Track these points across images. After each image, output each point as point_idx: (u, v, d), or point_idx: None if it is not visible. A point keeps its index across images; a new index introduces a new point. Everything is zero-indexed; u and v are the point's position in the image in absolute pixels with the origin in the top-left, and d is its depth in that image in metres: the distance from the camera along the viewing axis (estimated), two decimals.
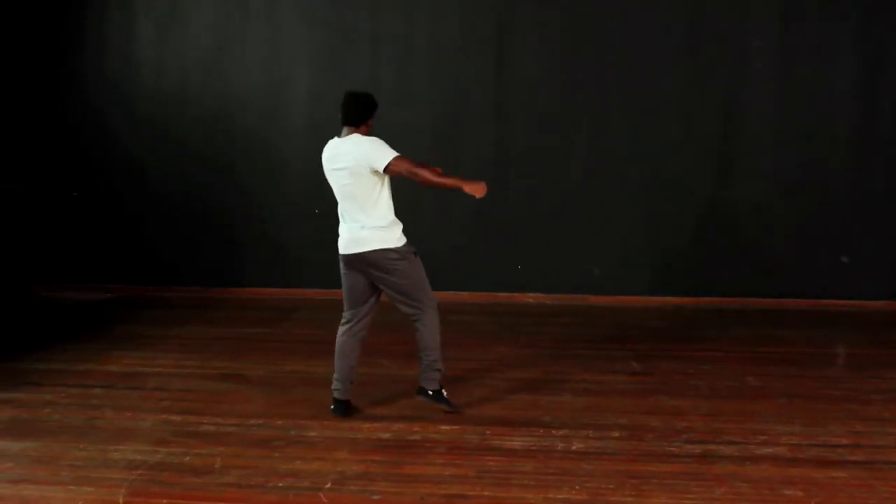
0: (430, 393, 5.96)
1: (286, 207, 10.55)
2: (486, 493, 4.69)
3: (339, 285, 10.30)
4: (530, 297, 10.10)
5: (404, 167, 5.60)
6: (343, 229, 5.85)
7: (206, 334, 8.61)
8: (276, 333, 8.72)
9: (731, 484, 4.79)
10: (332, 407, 5.97)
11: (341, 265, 5.89)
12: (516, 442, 5.47)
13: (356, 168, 5.63)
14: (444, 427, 5.73)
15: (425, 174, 5.67)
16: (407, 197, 10.20)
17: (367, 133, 5.80)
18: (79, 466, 5.08)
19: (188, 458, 5.21)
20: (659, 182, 10.02)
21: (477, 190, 5.68)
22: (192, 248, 10.73)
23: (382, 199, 5.79)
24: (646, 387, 6.71)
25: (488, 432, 5.64)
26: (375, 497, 4.64)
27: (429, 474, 4.97)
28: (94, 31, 10.68)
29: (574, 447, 5.38)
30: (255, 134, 10.52)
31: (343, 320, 6.04)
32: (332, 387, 5.98)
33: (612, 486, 4.75)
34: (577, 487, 4.74)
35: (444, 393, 5.99)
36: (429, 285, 5.98)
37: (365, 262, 5.75)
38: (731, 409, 6.16)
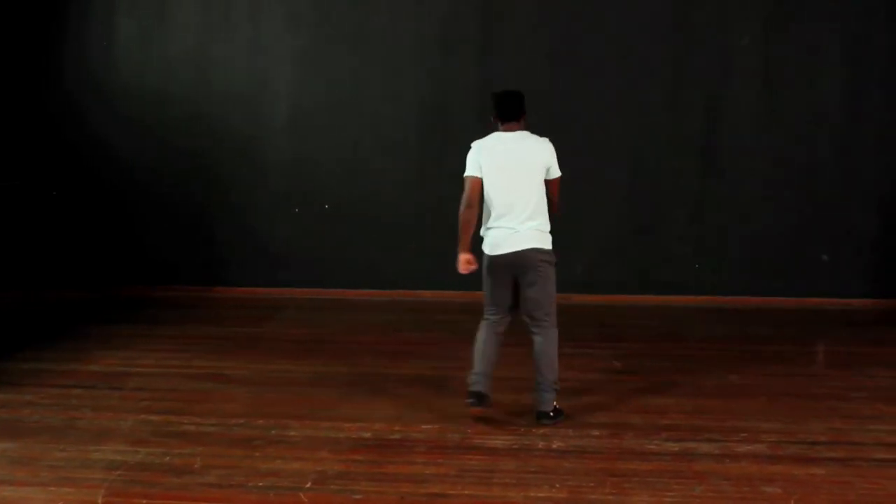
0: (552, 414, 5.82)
1: (270, 206, 10.52)
2: (466, 492, 4.68)
3: (322, 285, 10.40)
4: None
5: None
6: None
7: (188, 333, 8.58)
8: (260, 333, 8.70)
9: (712, 481, 4.80)
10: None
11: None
12: (497, 441, 5.47)
13: (540, 166, 5.73)
14: (425, 426, 5.73)
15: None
16: (388, 196, 10.31)
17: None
18: (59, 467, 5.05)
19: (168, 458, 5.19)
20: (643, 180, 10.05)
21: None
22: (175, 247, 10.69)
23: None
24: (627, 385, 6.73)
25: (469, 431, 5.64)
26: (356, 496, 4.63)
27: (410, 473, 4.96)
28: (76, 30, 10.62)
29: (555, 445, 5.38)
30: (239, 132, 10.49)
31: (485, 316, 5.97)
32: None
33: (592, 484, 4.76)
34: (558, 486, 4.75)
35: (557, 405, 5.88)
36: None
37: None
38: (712, 406, 6.18)
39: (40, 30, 10.60)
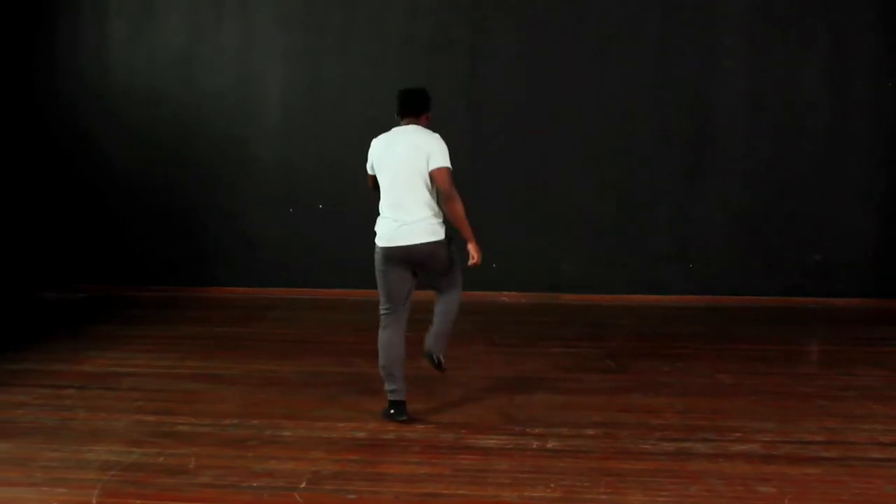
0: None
1: (260, 206, 10.52)
2: (461, 492, 4.68)
3: (312, 285, 10.38)
4: (504, 296, 10.11)
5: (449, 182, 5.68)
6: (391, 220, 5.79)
7: (180, 334, 8.56)
8: (251, 332, 8.69)
9: (706, 481, 4.81)
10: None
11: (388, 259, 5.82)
12: (491, 440, 5.47)
13: (417, 159, 5.68)
14: (419, 426, 5.73)
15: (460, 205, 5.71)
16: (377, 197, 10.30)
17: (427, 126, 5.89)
18: (52, 467, 5.02)
19: (162, 458, 5.17)
20: (631, 180, 10.08)
21: (475, 257, 5.79)
22: (165, 247, 10.67)
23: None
24: (620, 385, 6.74)
25: (463, 431, 5.63)
26: (351, 496, 4.62)
27: (404, 473, 4.96)
28: (66, 30, 10.60)
29: (549, 445, 5.38)
30: (228, 132, 10.48)
31: (383, 313, 5.97)
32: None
33: (587, 484, 4.76)
34: (553, 485, 4.75)
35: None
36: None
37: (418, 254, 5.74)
38: (704, 406, 6.19)
39: (30, 30, 10.57)
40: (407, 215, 5.68)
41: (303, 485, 4.76)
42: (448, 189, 5.63)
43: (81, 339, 8.25)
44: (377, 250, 5.81)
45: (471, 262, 5.78)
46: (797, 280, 10.05)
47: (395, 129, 5.86)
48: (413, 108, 5.86)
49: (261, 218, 10.54)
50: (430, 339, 5.93)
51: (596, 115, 10.03)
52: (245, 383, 6.80)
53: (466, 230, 5.73)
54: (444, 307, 5.95)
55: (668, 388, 6.65)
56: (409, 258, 5.74)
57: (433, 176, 5.64)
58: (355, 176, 10.24)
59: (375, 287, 10.23)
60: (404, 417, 5.78)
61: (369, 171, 5.97)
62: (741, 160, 10.04)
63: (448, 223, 5.77)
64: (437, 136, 5.76)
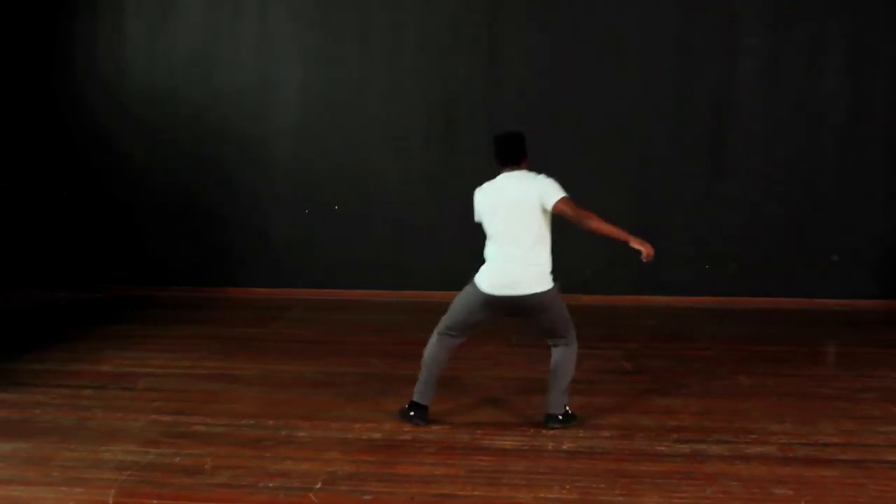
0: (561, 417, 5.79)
1: (277, 206, 10.56)
2: (476, 493, 4.68)
3: (330, 285, 10.40)
4: None
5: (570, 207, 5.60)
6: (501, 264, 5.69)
7: (197, 334, 8.59)
8: (268, 333, 8.71)
9: (722, 483, 4.79)
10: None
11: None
12: (507, 441, 5.47)
13: (531, 202, 5.59)
14: (434, 427, 5.72)
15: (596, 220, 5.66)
16: (395, 197, 10.31)
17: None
18: (69, 467, 5.05)
19: (179, 458, 5.19)
20: (649, 181, 10.05)
21: (645, 248, 5.55)
22: (183, 247, 10.72)
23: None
24: (637, 386, 6.73)
25: (479, 432, 5.63)
26: (366, 497, 4.63)
27: (419, 474, 4.96)
28: (84, 30, 10.66)
29: (565, 446, 5.38)
30: (246, 132, 10.52)
31: (446, 332, 5.88)
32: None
33: (603, 486, 4.75)
34: (568, 487, 4.74)
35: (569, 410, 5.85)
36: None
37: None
38: (721, 407, 6.17)
39: (48, 30, 10.63)
40: (518, 264, 5.58)
41: (318, 485, 4.76)
42: (577, 213, 5.56)
43: (101, 339, 8.29)
44: (477, 291, 5.66)
45: (644, 258, 5.55)
46: (816, 281, 10.00)
47: (501, 177, 5.76)
48: (514, 157, 5.80)
49: (280, 218, 10.57)
50: (547, 401, 5.81)
51: (614, 114, 10.00)
52: (262, 384, 6.82)
53: (620, 235, 5.56)
54: (555, 364, 5.80)
55: (686, 389, 6.63)
56: (515, 308, 5.68)
57: (558, 211, 5.57)
58: (372, 176, 10.38)
59: (394, 289, 10.35)
60: (421, 422, 5.78)
61: (476, 220, 5.84)
62: (759, 161, 9.99)
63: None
64: (541, 175, 5.70)
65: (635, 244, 5.53)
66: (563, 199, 5.56)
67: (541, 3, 10.16)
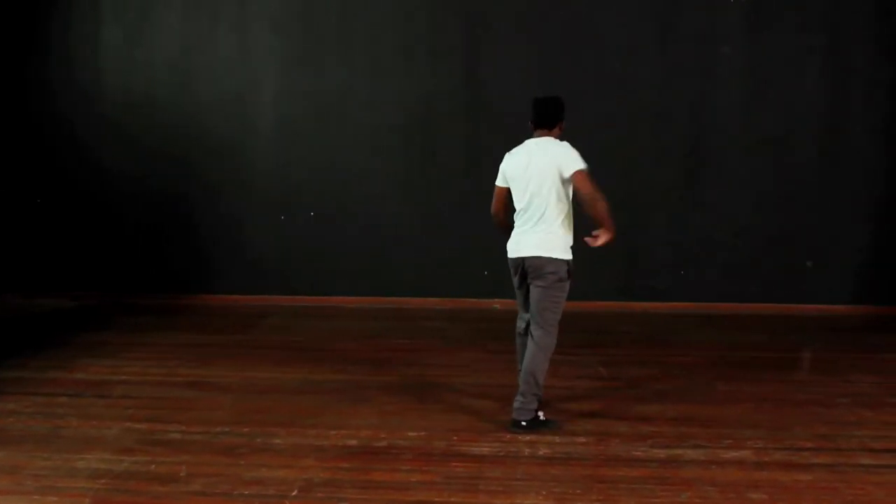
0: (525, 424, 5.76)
1: (255, 213, 10.53)
2: (453, 499, 4.67)
3: (309, 292, 10.39)
4: (497, 303, 10.09)
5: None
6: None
7: (174, 341, 8.54)
8: (245, 340, 8.68)
9: (698, 488, 4.80)
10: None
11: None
12: (484, 448, 5.46)
13: (551, 171, 5.65)
14: (410, 433, 5.71)
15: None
16: (374, 203, 10.31)
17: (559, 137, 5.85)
18: (43, 476, 5.01)
19: (153, 466, 5.16)
20: (628, 187, 10.06)
21: (606, 236, 5.64)
22: (160, 254, 10.69)
23: None
24: (614, 392, 6.75)
25: (455, 438, 5.63)
26: None
27: (396, 481, 4.95)
28: (61, 37, 10.62)
29: (541, 452, 5.38)
30: (224, 139, 10.50)
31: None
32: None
33: (579, 491, 4.75)
34: (545, 493, 4.74)
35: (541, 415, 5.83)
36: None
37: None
38: (698, 413, 6.18)
39: (25, 37, 10.59)
40: (533, 227, 5.72)
41: (294, 493, 4.75)
42: (591, 192, 5.57)
43: (76, 346, 8.24)
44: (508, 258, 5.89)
45: (598, 241, 5.62)
46: (793, 287, 10.06)
47: (530, 142, 5.83)
48: (548, 121, 5.83)
49: (258, 226, 10.56)
50: (514, 405, 5.80)
51: (593, 122, 10.00)
52: (238, 391, 6.79)
53: (607, 225, 5.61)
54: (526, 361, 5.81)
55: (663, 395, 6.65)
56: (525, 273, 5.83)
57: (573, 182, 5.62)
58: (351, 182, 10.37)
59: (369, 294, 10.35)
60: (554, 425, 5.80)
61: (500, 185, 5.91)
62: (737, 169, 10.05)
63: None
64: (565, 143, 5.74)
65: (605, 233, 5.62)
66: (581, 170, 5.62)
67: (520, 10, 10.19)
